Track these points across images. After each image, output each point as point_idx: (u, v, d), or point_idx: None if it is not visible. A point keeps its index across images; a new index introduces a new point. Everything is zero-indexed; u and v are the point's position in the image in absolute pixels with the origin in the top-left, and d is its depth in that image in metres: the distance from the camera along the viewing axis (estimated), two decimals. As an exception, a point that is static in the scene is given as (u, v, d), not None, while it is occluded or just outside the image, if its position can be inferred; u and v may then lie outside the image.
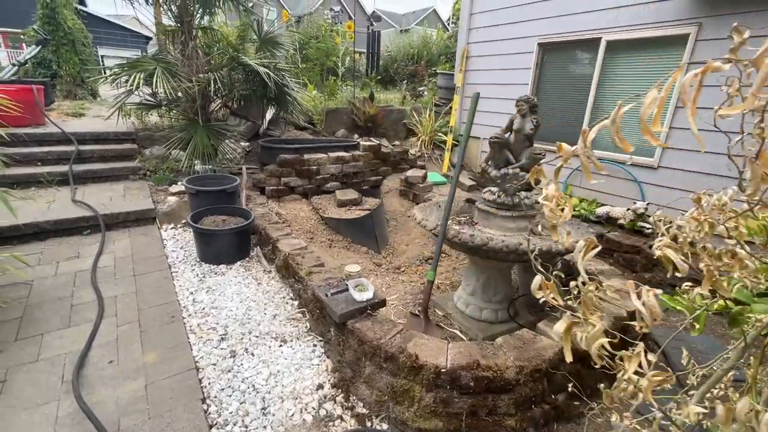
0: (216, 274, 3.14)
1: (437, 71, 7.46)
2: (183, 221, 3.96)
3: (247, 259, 3.45)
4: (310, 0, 23.79)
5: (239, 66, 4.89)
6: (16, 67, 6.91)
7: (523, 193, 2.95)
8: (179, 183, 4.65)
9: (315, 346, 2.46)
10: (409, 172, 5.47)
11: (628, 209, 4.33)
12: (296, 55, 5.67)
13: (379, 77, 7.54)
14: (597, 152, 4.78)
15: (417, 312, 2.96)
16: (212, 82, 4.41)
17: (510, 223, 2.92)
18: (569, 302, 0.84)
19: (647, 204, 4.17)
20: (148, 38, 21.29)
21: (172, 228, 3.84)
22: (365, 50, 11.15)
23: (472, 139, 6.59)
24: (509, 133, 2.94)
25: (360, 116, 6.78)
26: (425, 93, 8.16)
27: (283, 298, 2.93)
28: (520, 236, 2.81)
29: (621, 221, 4.32)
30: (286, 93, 5.24)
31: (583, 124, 4.89)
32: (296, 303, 2.87)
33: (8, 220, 3.16)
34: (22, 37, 8.13)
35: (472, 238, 2.37)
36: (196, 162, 4.78)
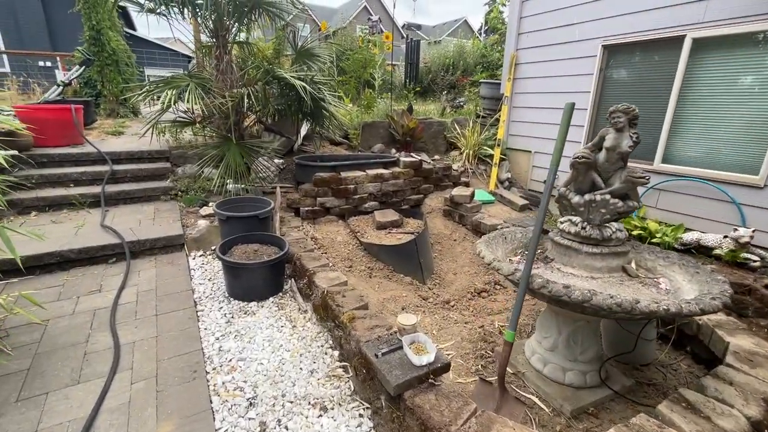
0: (246, 313, 2.76)
1: (480, 81, 6.97)
2: (212, 248, 3.65)
3: (280, 294, 3.05)
4: (344, 14, 24.08)
5: (274, 80, 4.62)
6: (61, 87, 7.06)
7: (614, 225, 2.38)
8: (210, 204, 4.38)
9: (361, 417, 1.99)
10: (455, 191, 4.96)
11: (726, 237, 3.61)
12: (332, 68, 5.35)
13: (417, 89, 7.13)
14: (682, 168, 4.09)
15: (486, 377, 2.42)
16: (245, 97, 4.14)
17: (598, 262, 2.36)
18: None
19: (753, 231, 3.44)
20: (190, 58, 22.21)
21: (201, 256, 3.53)
22: (399, 62, 10.85)
23: (521, 153, 6.02)
24: (598, 151, 2.40)
25: (398, 130, 6.38)
26: (464, 104, 7.67)
27: (321, 346, 2.50)
28: (621, 283, 2.24)
29: (717, 251, 3.60)
30: (322, 107, 4.92)
31: (660, 136, 4.22)
32: (337, 354, 2.42)
33: (33, 248, 2.95)
34: (72, 59, 8.39)
35: (569, 292, 1.83)
36: (228, 181, 4.52)
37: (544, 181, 5.51)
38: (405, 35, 7.90)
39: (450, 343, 2.83)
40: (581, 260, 2.39)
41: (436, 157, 6.50)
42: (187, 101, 3.82)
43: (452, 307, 3.64)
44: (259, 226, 3.29)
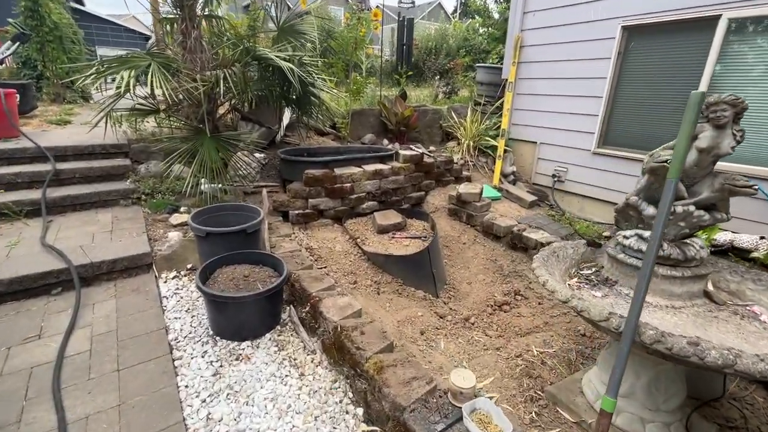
0: (238, 359, 2.18)
1: (477, 65, 6.45)
2: (189, 266, 3.01)
3: (278, 328, 2.48)
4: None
5: (253, 61, 3.92)
6: (-9, 68, 5.96)
7: (696, 242, 1.96)
8: (182, 210, 3.69)
9: None
10: (462, 188, 4.47)
11: (763, 238, 3.34)
12: (317, 48, 4.67)
13: (410, 73, 6.54)
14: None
15: None
16: (221, 81, 3.43)
17: (677, 287, 1.94)
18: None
19: (796, 233, 3.16)
20: (148, 37, 20.36)
21: (174, 278, 2.88)
22: (381, 45, 10.16)
23: (525, 144, 5.60)
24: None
25: (391, 118, 5.80)
26: (459, 90, 7.15)
27: (340, 401, 1.97)
28: (713, 317, 1.82)
29: (754, 254, 3.32)
30: (311, 93, 4.26)
31: (686, 126, 3.88)
32: (361, 413, 1.90)
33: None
34: (4, 34, 7.17)
35: (701, 352, 1.37)
36: (202, 181, 3.84)
37: (553, 175, 5.14)
38: (398, 12, 7.22)
39: (489, 380, 2.38)
40: (656, 284, 1.96)
41: (432, 148, 5.97)
42: (150, 85, 3.09)
43: (474, 325, 3.20)
44: (247, 242, 2.67)
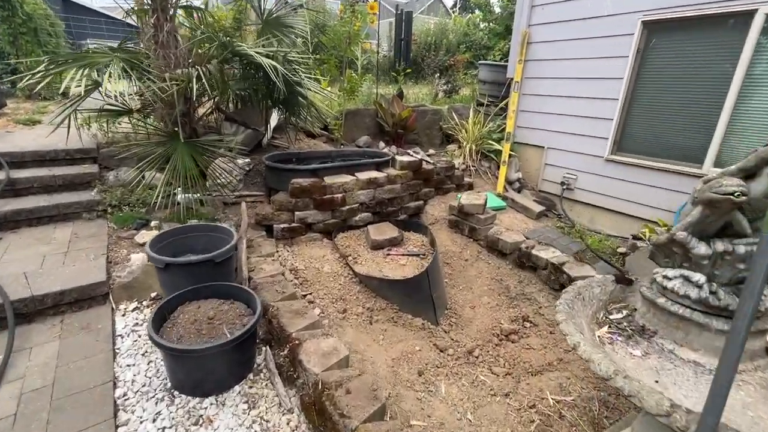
0: (198, 424, 1.80)
1: (480, 62, 6.05)
2: (153, 295, 2.62)
3: (251, 376, 2.10)
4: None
5: (234, 57, 3.51)
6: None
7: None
8: (152, 225, 3.30)
9: None
10: (464, 198, 4.09)
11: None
12: (307, 43, 4.26)
13: (408, 70, 6.12)
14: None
15: None
16: (195, 79, 3.02)
17: (734, 344, 1.55)
18: None
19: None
20: (137, 28, 19.74)
21: (134, 310, 2.49)
22: (377, 40, 9.72)
23: (531, 148, 5.22)
24: (750, 178, 1.57)
25: (387, 120, 5.40)
26: (460, 89, 6.75)
27: (319, 482, 1.59)
28: None
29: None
30: (298, 93, 3.86)
31: (713, 135, 3.52)
32: (345, 502, 1.53)
33: None
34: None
35: None
36: (176, 191, 3.45)
37: (562, 183, 4.77)
38: (395, 5, 6.80)
39: (499, 441, 2.02)
40: (707, 340, 1.60)
41: (431, 151, 5.60)
42: (106, 87, 2.69)
43: (478, 359, 2.83)
44: (216, 271, 2.29)
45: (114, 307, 2.47)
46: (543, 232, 4.12)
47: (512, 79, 5.29)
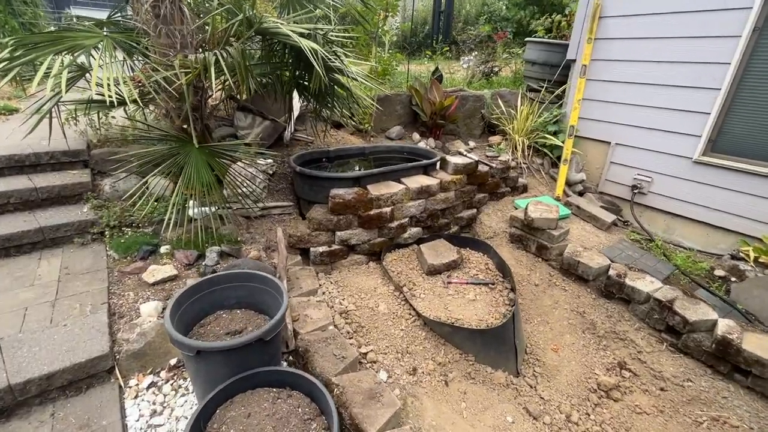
0: None
1: (528, 39, 5.22)
2: (172, 362, 1.99)
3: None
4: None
5: (256, 36, 2.76)
6: None
7: None
8: (162, 251, 2.64)
9: None
10: (532, 210, 3.43)
11: None
12: (338, 16, 3.48)
13: (446, 49, 5.29)
14: None
15: None
16: (212, 66, 2.28)
17: None
18: None
19: None
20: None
21: (149, 387, 1.87)
22: (412, 10, 8.71)
23: (594, 144, 4.52)
24: None
25: (425, 108, 4.65)
26: (500, 70, 5.94)
27: None
28: None
29: None
30: (336, 82, 3.11)
31: None
32: None
33: None
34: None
35: None
36: (190, 204, 2.79)
37: (634, 187, 4.13)
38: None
39: None
40: None
41: (471, 144, 4.88)
42: (95, 79, 1.96)
43: (579, 429, 2.27)
44: (263, 349, 1.64)
45: (122, 384, 1.85)
46: (622, 249, 3.50)
47: (572, 60, 4.52)
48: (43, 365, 1.71)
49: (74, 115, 3.24)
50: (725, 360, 2.47)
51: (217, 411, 1.48)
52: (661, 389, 2.50)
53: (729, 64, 3.33)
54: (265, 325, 1.59)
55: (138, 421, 1.71)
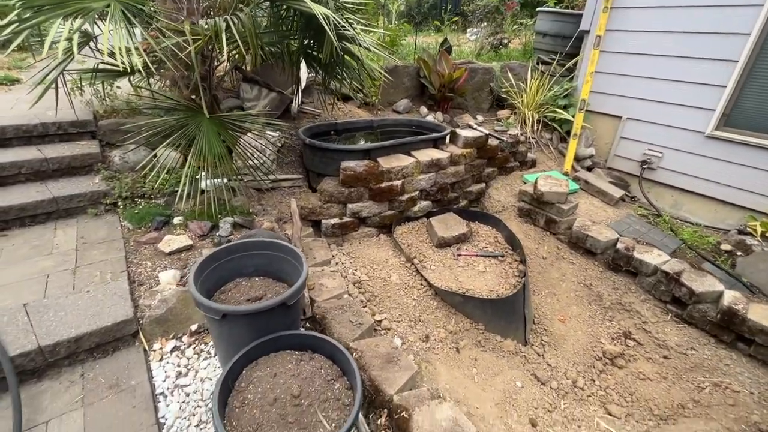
0: None
1: (539, 9, 5.06)
2: (193, 327, 2.05)
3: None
4: None
5: (267, 3, 2.68)
6: None
7: None
8: (175, 222, 2.65)
9: None
10: (542, 184, 3.43)
11: None
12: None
13: (454, 19, 5.14)
14: None
15: None
16: (223, 32, 2.23)
17: None
18: None
19: None
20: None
21: (173, 350, 1.93)
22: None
23: (604, 118, 4.48)
24: None
25: (433, 80, 4.57)
26: (509, 42, 5.79)
27: None
28: None
29: None
30: (348, 52, 3.04)
31: None
32: None
33: None
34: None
35: None
36: (201, 175, 2.78)
37: (643, 162, 4.12)
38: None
39: None
40: None
41: (480, 118, 4.83)
42: (105, 42, 1.92)
43: (585, 393, 2.36)
44: (286, 313, 1.69)
45: (146, 348, 1.91)
46: (629, 224, 3.52)
47: (586, 31, 4.41)
48: (70, 328, 1.75)
49: (80, 85, 3.18)
50: (729, 329, 2.53)
51: (244, 371, 1.54)
52: (665, 357, 2.58)
53: (749, 35, 3.25)
54: (287, 290, 1.63)
55: (165, 381, 1.77)
